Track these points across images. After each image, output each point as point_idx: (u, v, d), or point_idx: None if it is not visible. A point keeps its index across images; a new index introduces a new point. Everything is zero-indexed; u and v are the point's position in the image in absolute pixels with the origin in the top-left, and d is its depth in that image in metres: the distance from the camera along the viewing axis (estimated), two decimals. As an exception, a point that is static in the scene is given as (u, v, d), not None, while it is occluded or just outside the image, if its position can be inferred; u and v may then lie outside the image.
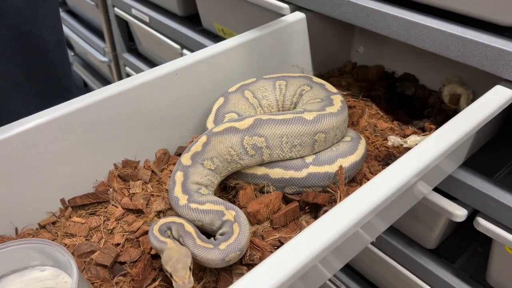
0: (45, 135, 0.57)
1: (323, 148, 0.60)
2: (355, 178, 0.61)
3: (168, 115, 0.68)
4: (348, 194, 0.47)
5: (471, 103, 0.56)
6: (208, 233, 0.54)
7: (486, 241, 0.74)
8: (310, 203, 0.56)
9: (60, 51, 0.73)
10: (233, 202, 0.59)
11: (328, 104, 0.62)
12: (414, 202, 0.62)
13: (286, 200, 0.58)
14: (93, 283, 0.51)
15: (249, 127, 0.57)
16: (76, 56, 2.09)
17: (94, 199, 0.61)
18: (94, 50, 1.79)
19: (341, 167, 0.57)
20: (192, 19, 1.25)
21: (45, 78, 0.71)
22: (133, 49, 1.63)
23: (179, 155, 0.69)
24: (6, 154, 0.55)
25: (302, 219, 0.56)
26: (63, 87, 0.76)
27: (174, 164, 0.67)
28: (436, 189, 0.71)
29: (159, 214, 0.59)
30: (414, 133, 0.70)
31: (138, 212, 0.60)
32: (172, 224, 0.51)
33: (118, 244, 0.56)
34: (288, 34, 0.80)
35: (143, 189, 0.63)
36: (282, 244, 0.52)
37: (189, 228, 0.51)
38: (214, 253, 0.48)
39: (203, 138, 0.57)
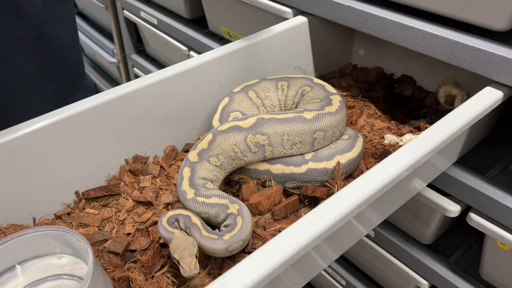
0: (62, 132, 0.61)
1: (322, 146, 0.63)
2: (352, 174, 0.64)
3: (176, 113, 0.72)
4: (344, 187, 0.50)
5: (464, 103, 0.60)
6: (213, 225, 0.57)
7: (481, 237, 0.77)
8: (309, 196, 0.59)
9: (75, 52, 0.77)
10: (237, 196, 0.63)
11: (327, 104, 0.65)
12: (408, 196, 0.65)
13: (286, 193, 0.62)
14: (106, 269, 0.55)
15: (252, 125, 0.61)
16: (85, 57, 2.13)
17: (106, 192, 0.65)
18: (103, 51, 1.83)
19: (338, 163, 0.60)
20: (198, 22, 1.29)
21: (61, 77, 0.75)
22: (141, 50, 1.67)
23: (187, 151, 0.73)
24: (26, 149, 0.58)
25: (302, 211, 0.59)
26: (77, 85, 0.80)
27: (181, 160, 0.71)
28: (431, 186, 0.74)
29: (168, 206, 0.63)
30: (410, 132, 0.73)
31: (148, 204, 0.63)
32: (179, 216, 0.55)
33: (129, 234, 0.60)
34: (291, 37, 0.83)
35: (152, 183, 0.67)
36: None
37: (196, 220, 0.54)
38: (219, 243, 0.51)
39: (209, 136, 0.61)
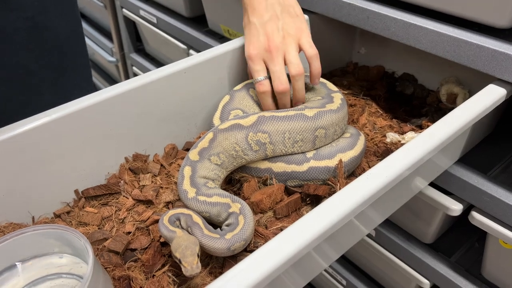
0: (61, 129, 0.60)
1: (323, 144, 0.63)
2: (354, 173, 0.64)
3: (176, 111, 0.71)
4: (347, 186, 0.50)
5: (466, 101, 0.59)
6: (214, 223, 0.57)
7: (482, 236, 0.76)
8: (311, 194, 0.59)
9: (76, 42, 0.75)
10: (238, 194, 0.62)
11: (329, 102, 0.65)
12: (410, 195, 0.65)
13: (288, 191, 0.61)
14: (106, 268, 0.54)
15: (253, 124, 0.60)
16: (84, 56, 2.12)
17: (106, 190, 0.64)
18: (102, 50, 1.83)
19: (340, 161, 0.60)
20: (198, 20, 1.28)
21: (60, 68, 0.73)
22: (140, 49, 1.66)
23: (187, 150, 0.72)
24: (25, 147, 0.58)
25: (304, 210, 0.59)
26: (80, 77, 0.77)
27: (182, 158, 0.70)
28: (433, 185, 0.74)
29: (168, 204, 0.62)
30: (412, 130, 0.72)
31: (148, 202, 0.63)
32: (180, 215, 0.54)
33: (129, 233, 0.59)
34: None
35: (152, 181, 0.66)
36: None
37: (197, 219, 0.54)
38: (220, 243, 0.51)
39: (210, 135, 0.61)
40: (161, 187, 0.65)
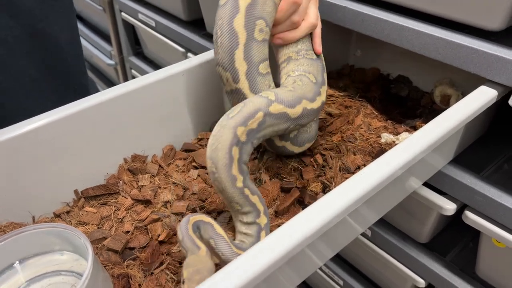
0: (61, 131, 0.61)
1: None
2: (349, 170, 0.65)
3: (174, 113, 0.72)
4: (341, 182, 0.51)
5: (460, 103, 0.61)
6: (229, 208, 0.56)
7: (476, 236, 0.78)
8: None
9: (74, 49, 0.76)
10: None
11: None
12: (404, 195, 0.66)
13: (282, 189, 0.62)
14: (105, 266, 0.55)
15: (298, 116, 0.58)
16: (83, 59, 2.14)
17: (105, 190, 0.65)
18: (101, 53, 1.84)
19: None
20: (196, 24, 1.30)
21: (60, 75, 0.74)
22: (139, 52, 1.68)
23: (185, 151, 0.73)
24: (25, 148, 0.59)
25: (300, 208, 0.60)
26: (78, 83, 0.79)
27: (180, 159, 0.71)
28: (427, 185, 0.75)
29: (166, 204, 0.63)
30: (406, 131, 0.74)
31: (147, 202, 0.64)
32: (200, 223, 0.51)
33: (127, 232, 0.60)
34: (288, 38, 0.84)
35: (151, 181, 0.67)
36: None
37: (219, 229, 0.51)
38: None
39: (260, 115, 0.54)
40: (159, 187, 0.66)
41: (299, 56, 0.65)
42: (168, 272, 0.54)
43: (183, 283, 0.45)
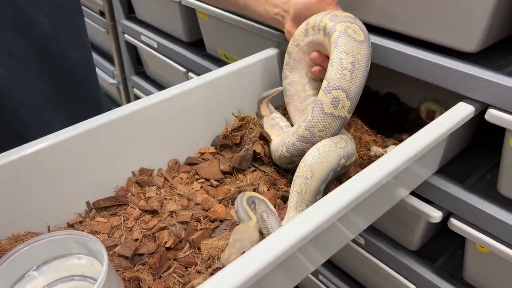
0: (74, 147, 0.66)
1: None
2: (341, 180, 0.70)
3: (178, 129, 0.77)
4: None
5: (444, 118, 0.66)
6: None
7: (464, 244, 0.82)
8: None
9: (86, 67, 0.81)
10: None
11: None
12: (392, 202, 0.71)
13: (283, 199, 0.67)
14: (117, 271, 0.59)
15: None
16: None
17: (115, 202, 0.70)
18: (103, 73, 1.91)
19: None
20: (197, 45, 1.36)
21: (72, 93, 0.79)
22: (140, 71, 1.74)
23: (188, 164, 0.78)
24: (43, 163, 0.64)
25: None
26: (91, 99, 0.83)
27: (184, 172, 0.76)
28: (415, 194, 0.80)
29: (172, 213, 0.68)
30: (394, 144, 0.79)
31: (154, 212, 0.69)
32: (255, 199, 0.58)
33: (136, 239, 0.65)
34: (283, 59, 0.90)
35: (157, 193, 0.72)
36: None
37: (272, 207, 0.58)
38: None
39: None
40: (165, 198, 0.71)
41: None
42: (175, 275, 0.59)
43: (227, 245, 0.49)
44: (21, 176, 0.62)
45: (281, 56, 0.89)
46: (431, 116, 0.84)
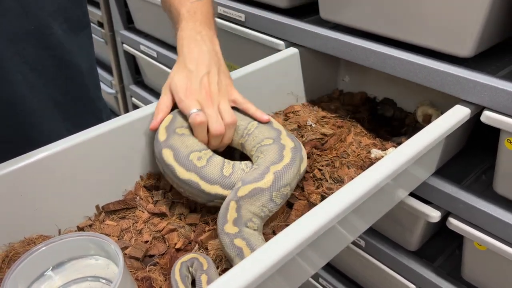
0: (84, 152, 0.68)
1: None
2: (343, 181, 0.72)
3: (184, 135, 0.79)
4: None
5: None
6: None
7: (462, 243, 0.85)
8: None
9: (92, 77, 0.84)
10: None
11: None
12: (392, 204, 0.73)
13: (289, 205, 0.69)
14: (130, 271, 0.61)
15: (272, 183, 0.61)
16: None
17: (124, 205, 0.72)
18: (101, 83, 1.92)
19: None
20: (195, 54, 1.38)
21: (81, 100, 0.82)
22: (139, 81, 1.76)
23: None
24: (54, 167, 0.65)
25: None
26: (96, 108, 0.87)
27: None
28: (414, 195, 0.83)
29: (181, 216, 0.70)
30: (393, 147, 0.82)
31: (162, 215, 0.70)
32: (194, 260, 0.59)
33: (147, 241, 0.66)
34: (283, 66, 0.93)
35: (164, 197, 0.74)
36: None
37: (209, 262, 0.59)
38: None
39: (233, 204, 0.60)
40: (173, 202, 0.73)
41: (245, 136, 0.71)
42: (186, 274, 0.60)
43: None
44: (33, 181, 0.64)
45: (281, 63, 0.92)
46: (428, 120, 0.87)
